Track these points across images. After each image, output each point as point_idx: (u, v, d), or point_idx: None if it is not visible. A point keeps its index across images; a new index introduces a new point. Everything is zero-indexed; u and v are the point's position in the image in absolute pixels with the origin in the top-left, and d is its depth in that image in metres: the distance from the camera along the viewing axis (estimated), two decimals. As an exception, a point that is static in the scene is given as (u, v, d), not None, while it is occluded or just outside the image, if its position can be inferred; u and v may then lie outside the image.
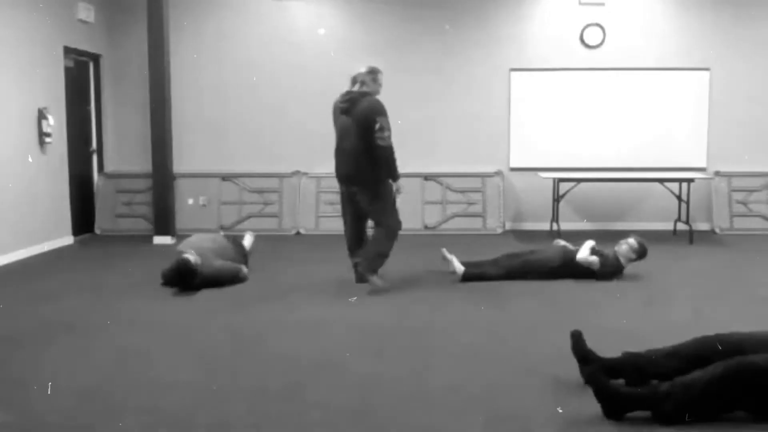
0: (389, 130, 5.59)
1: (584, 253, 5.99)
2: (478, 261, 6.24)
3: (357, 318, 4.94)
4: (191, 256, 5.61)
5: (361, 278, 5.83)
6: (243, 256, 6.34)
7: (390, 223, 5.83)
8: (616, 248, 6.09)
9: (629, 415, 3.16)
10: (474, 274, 6.02)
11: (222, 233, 6.78)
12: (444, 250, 6.25)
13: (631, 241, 6.08)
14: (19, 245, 7.23)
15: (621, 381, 3.40)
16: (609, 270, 5.99)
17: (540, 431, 3.10)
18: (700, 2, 8.91)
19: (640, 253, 6.04)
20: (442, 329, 4.65)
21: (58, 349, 4.27)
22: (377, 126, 5.51)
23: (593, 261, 5.95)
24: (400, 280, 6.16)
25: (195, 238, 6.12)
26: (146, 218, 8.90)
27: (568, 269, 6.00)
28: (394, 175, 5.76)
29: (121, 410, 3.32)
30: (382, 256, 5.79)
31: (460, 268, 6.05)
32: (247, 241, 6.71)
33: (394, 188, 5.81)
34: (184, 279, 5.57)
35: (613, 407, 3.15)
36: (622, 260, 6.04)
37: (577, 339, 3.60)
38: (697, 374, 3.11)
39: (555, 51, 9.02)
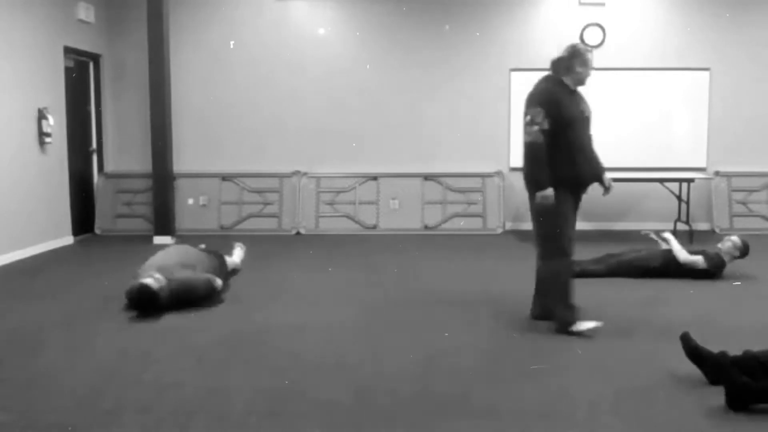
0: (538, 123, 4.48)
1: (685, 254, 6.06)
2: (579, 259, 6.24)
3: (357, 317, 4.94)
4: (151, 281, 4.96)
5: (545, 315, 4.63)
6: (223, 271, 5.71)
7: (546, 251, 4.47)
8: (720, 245, 6.22)
9: None
10: (574, 272, 6.00)
11: (202, 246, 6.13)
12: None
13: (735, 238, 6.22)
14: (19, 245, 7.23)
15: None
16: (717, 265, 6.07)
17: (540, 430, 3.11)
18: (700, 2, 8.91)
19: (744, 251, 6.15)
20: (443, 329, 4.65)
21: (57, 349, 4.27)
22: (527, 119, 4.53)
23: (698, 260, 6.04)
24: (400, 280, 6.17)
25: (158, 256, 5.41)
26: (146, 218, 8.90)
27: (669, 269, 6.06)
28: (533, 179, 4.46)
29: (121, 410, 3.32)
30: (562, 302, 4.40)
31: None
32: (237, 255, 6.25)
33: (537, 199, 4.39)
34: (145, 306, 4.95)
35: (742, 401, 3.23)
36: (725, 257, 6.13)
37: (687, 342, 3.61)
38: None
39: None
